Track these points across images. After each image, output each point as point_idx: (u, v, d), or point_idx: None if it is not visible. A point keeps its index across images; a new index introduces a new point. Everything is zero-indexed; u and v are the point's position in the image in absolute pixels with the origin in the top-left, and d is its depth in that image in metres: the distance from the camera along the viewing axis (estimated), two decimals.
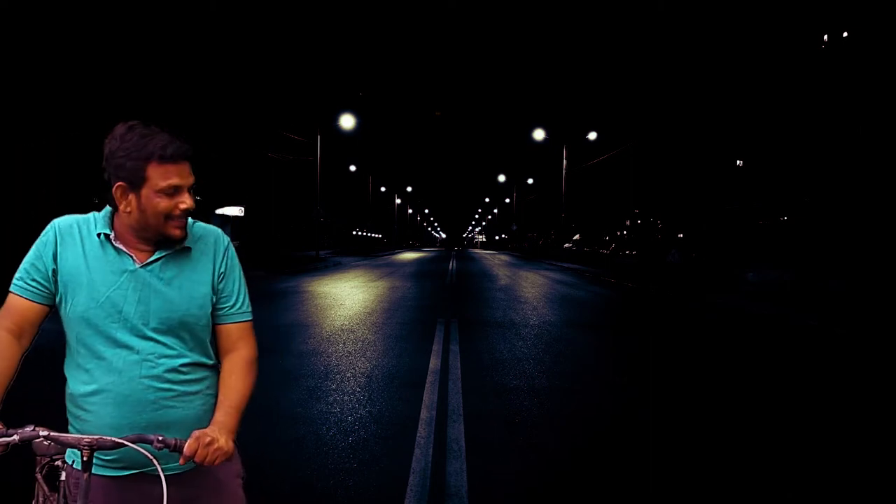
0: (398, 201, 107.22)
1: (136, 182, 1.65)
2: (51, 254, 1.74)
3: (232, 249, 1.90)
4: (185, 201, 1.70)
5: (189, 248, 1.79)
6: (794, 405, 6.55)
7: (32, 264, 1.74)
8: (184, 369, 1.75)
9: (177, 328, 1.74)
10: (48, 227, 1.78)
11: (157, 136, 1.65)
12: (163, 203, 1.67)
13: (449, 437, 5.08)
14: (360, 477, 4.28)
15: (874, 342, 10.86)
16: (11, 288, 1.76)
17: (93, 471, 1.72)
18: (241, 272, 1.91)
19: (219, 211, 34.20)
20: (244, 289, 1.90)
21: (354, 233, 73.66)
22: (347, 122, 42.40)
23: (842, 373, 8.44)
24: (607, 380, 7.60)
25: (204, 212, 31.72)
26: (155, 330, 1.72)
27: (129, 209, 1.69)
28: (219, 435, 1.63)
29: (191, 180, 1.72)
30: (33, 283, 1.74)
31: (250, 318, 1.91)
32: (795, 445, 5.18)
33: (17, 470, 2.28)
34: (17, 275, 1.76)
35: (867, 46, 24.35)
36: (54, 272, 1.73)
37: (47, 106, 21.67)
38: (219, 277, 1.83)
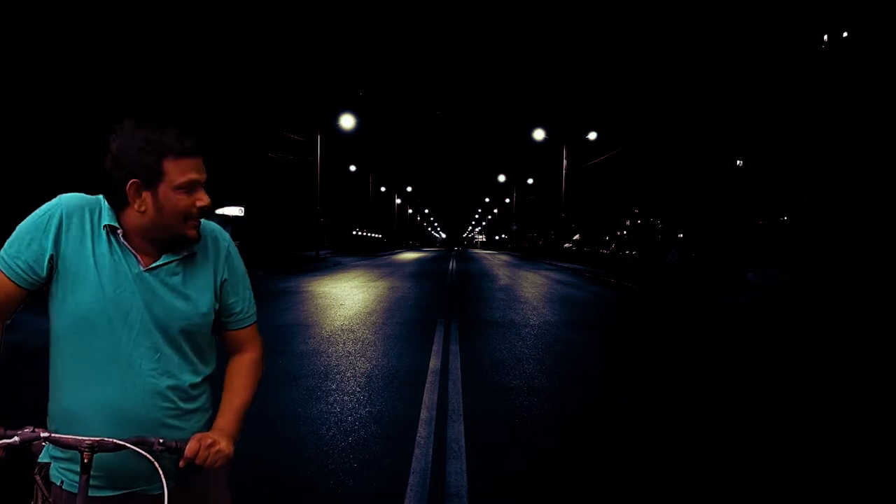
0: (398, 201, 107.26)
1: (153, 179, 1.52)
2: (52, 237, 1.54)
3: (233, 250, 1.77)
4: (203, 198, 1.58)
5: (193, 253, 1.66)
6: (794, 405, 6.55)
7: (27, 244, 1.54)
8: (187, 384, 1.66)
9: (179, 338, 1.63)
10: (53, 204, 1.58)
11: (171, 130, 1.54)
12: (182, 200, 1.55)
13: (449, 437, 5.08)
14: (360, 477, 4.27)
15: (878, 343, 10.86)
16: None
17: (64, 487, 1.62)
18: (244, 271, 1.80)
19: (219, 211, 34.18)
20: (249, 290, 1.81)
21: (354, 233, 73.68)
22: (347, 122, 42.46)
23: (842, 373, 8.44)
24: (607, 380, 7.59)
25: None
26: (158, 339, 1.60)
27: (143, 208, 1.54)
28: (220, 438, 1.61)
29: (205, 176, 1.60)
30: (20, 265, 1.54)
31: (255, 319, 1.84)
32: (795, 444, 5.18)
33: (17, 469, 2.27)
34: (3, 249, 1.56)
35: (867, 46, 24.34)
36: (52, 258, 1.55)
37: (46, 106, 21.67)
38: (221, 285, 1.72)
